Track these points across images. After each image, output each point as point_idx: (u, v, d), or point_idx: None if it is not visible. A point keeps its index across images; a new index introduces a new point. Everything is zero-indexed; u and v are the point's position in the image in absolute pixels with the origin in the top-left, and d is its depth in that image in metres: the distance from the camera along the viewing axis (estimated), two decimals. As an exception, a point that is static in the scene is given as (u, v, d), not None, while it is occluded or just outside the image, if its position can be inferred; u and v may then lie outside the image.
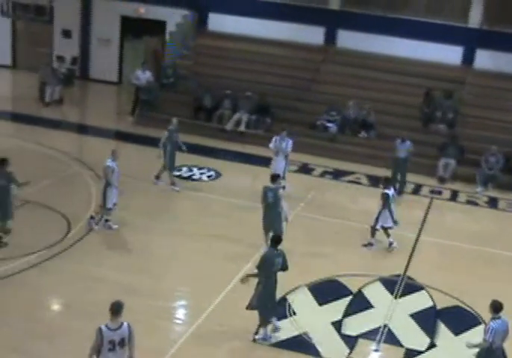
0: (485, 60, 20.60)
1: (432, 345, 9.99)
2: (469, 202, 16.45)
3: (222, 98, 19.75)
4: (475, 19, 20.78)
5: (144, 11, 23.12)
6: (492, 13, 20.71)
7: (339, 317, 10.46)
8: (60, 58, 23.21)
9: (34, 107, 20.60)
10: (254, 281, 9.54)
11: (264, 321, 9.64)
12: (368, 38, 21.13)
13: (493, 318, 8.42)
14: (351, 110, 19.15)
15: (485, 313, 9.22)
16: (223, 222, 13.20)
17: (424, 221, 14.80)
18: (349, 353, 9.58)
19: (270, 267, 9.43)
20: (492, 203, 16.46)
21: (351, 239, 13.43)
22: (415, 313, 10.78)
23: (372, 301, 11.05)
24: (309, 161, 17.84)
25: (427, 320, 10.61)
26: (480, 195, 16.77)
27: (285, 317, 10.27)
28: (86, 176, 15.17)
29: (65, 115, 21.14)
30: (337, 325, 10.23)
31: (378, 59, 21.00)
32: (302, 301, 10.83)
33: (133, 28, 23.71)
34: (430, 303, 11.10)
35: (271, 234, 11.60)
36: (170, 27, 22.65)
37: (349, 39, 21.48)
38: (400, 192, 16.17)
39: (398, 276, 11.94)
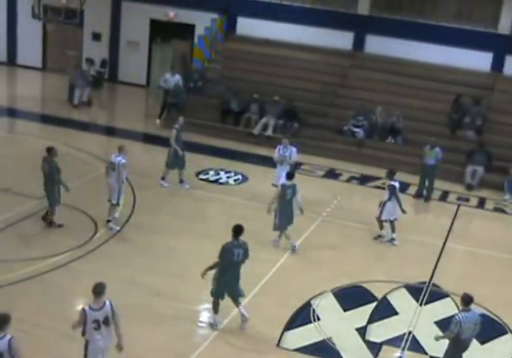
0: (515, 66, 20.42)
1: (458, 354, 9.89)
2: (496, 209, 16.27)
3: (250, 102, 19.80)
4: (505, 25, 20.58)
5: (174, 15, 23.30)
6: (523, 19, 20.51)
7: (363, 323, 10.41)
8: (90, 61, 23.49)
9: (63, 109, 20.87)
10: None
11: (214, 309, 9.82)
12: (396, 43, 21.05)
13: (463, 310, 8.51)
14: (379, 116, 19.07)
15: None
16: (250, 226, 13.18)
17: (451, 228, 14.67)
18: (373, 360, 9.55)
19: (230, 257, 9.55)
20: (520, 211, 16.27)
21: (376, 245, 13.38)
22: (440, 321, 10.67)
23: (396, 308, 10.99)
24: (336, 166, 17.81)
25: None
26: (508, 202, 16.58)
27: (309, 322, 10.26)
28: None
29: (93, 118, 21.38)
30: (362, 331, 10.18)
31: (407, 64, 20.90)
32: (327, 307, 10.80)
33: (162, 31, 23.91)
34: (455, 311, 10.96)
35: (289, 229, 12.38)
36: (199, 31, 22.79)
37: (378, 45, 21.42)
38: (427, 198, 16.08)
39: (424, 283, 11.85)
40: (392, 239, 13.42)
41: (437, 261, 12.88)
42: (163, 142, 17.25)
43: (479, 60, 20.68)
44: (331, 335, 9.96)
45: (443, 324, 10.53)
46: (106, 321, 7.67)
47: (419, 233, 14.18)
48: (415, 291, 11.57)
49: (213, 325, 9.87)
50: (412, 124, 19.10)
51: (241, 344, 9.59)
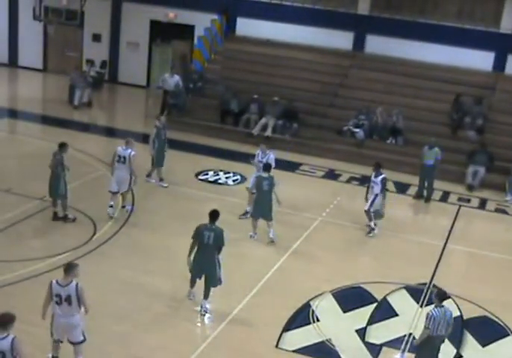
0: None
1: (459, 356, 9.82)
2: (497, 210, 16.20)
3: (249, 103, 19.77)
4: (506, 24, 20.52)
5: (174, 16, 23.30)
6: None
7: (363, 324, 10.35)
8: (90, 62, 23.51)
9: (64, 110, 20.86)
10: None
11: (190, 284, 10.38)
12: (397, 43, 21.02)
13: (436, 307, 8.47)
14: (380, 117, 19.01)
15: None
16: (249, 226, 13.17)
17: (451, 229, 14.61)
18: (373, 362, 9.50)
19: (201, 239, 9.98)
20: (522, 211, 16.21)
21: (376, 245, 13.33)
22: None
23: (396, 309, 10.92)
24: (335, 167, 17.76)
25: (453, 330, 10.41)
26: (509, 203, 16.51)
27: (308, 323, 10.21)
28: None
29: (93, 118, 21.38)
30: (361, 333, 10.12)
31: (407, 64, 20.86)
32: (326, 308, 10.74)
33: (161, 32, 23.91)
34: (456, 313, 10.90)
35: (260, 220, 12.73)
36: (199, 32, 22.77)
37: (378, 45, 21.39)
38: (427, 199, 16.02)
39: (424, 284, 11.79)
40: (372, 229, 13.62)
41: (438, 262, 12.82)
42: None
43: (481, 60, 20.64)
44: (331, 337, 9.90)
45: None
46: (68, 299, 8.09)
47: (419, 233, 14.12)
48: (415, 292, 11.50)
49: (188, 296, 10.43)
50: (413, 125, 19.04)
51: (240, 345, 9.55)
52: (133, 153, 13.17)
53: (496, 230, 15.23)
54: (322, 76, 21.03)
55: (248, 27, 22.58)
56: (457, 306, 11.08)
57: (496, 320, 10.81)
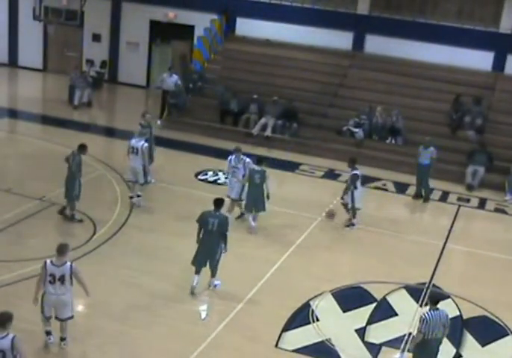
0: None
1: (458, 356, 9.83)
2: (497, 210, 16.20)
3: (249, 103, 19.77)
4: (506, 24, 20.53)
5: (174, 16, 23.31)
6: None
7: (362, 324, 10.36)
8: (90, 62, 23.51)
9: (63, 110, 20.85)
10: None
11: (195, 271, 10.67)
12: (396, 43, 21.02)
13: (430, 309, 8.43)
14: (379, 117, 19.02)
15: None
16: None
17: (451, 228, 14.61)
18: (372, 361, 9.51)
19: (205, 225, 10.44)
20: (521, 211, 16.21)
21: (375, 245, 13.33)
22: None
23: (396, 309, 10.92)
24: (335, 167, 17.75)
25: (453, 330, 10.42)
26: (508, 203, 16.50)
27: (308, 323, 10.22)
28: (112, 179, 15.29)
29: (93, 118, 21.36)
30: (361, 332, 10.13)
31: (407, 64, 20.87)
32: (326, 308, 10.74)
33: (161, 32, 23.91)
34: (456, 313, 10.92)
35: (254, 213, 13.06)
36: (198, 32, 22.77)
37: (378, 44, 21.39)
38: (426, 199, 16.01)
39: (424, 284, 11.79)
40: (353, 224, 13.76)
41: (437, 262, 12.82)
42: (163, 142, 17.26)
43: (480, 60, 20.64)
44: (330, 336, 9.91)
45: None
46: (61, 279, 8.51)
47: (419, 233, 14.12)
48: (415, 292, 11.50)
49: (193, 283, 10.62)
50: (412, 124, 19.04)
51: (240, 345, 9.55)
52: (145, 145, 13.59)
53: (496, 229, 15.24)
54: (322, 76, 21.03)
55: (247, 27, 22.58)
56: (457, 305, 11.09)
57: (496, 320, 10.81)
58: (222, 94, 20.17)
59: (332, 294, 11.17)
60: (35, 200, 13.56)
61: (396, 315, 10.78)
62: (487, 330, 10.58)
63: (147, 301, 10.37)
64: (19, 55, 25.55)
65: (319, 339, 9.83)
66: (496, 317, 10.86)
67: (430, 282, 11.90)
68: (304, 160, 18.07)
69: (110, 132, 20.36)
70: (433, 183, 16.58)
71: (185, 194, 15.05)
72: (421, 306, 11.05)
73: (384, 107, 19.14)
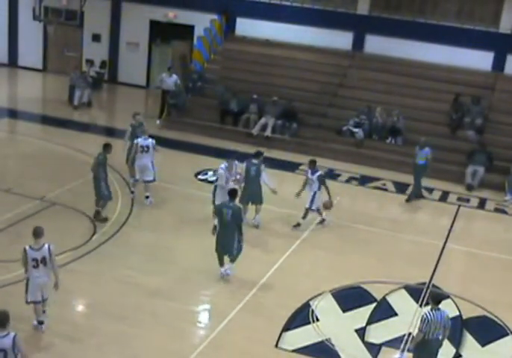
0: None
1: (458, 355, 9.83)
2: (497, 210, 16.20)
3: (249, 103, 19.77)
4: (506, 24, 20.52)
5: (174, 16, 23.31)
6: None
7: (362, 324, 10.36)
8: (90, 62, 23.50)
9: (63, 110, 20.86)
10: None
11: (219, 261, 11.17)
12: (396, 43, 21.02)
13: (432, 309, 8.41)
14: (379, 117, 19.02)
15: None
16: (248, 227, 13.19)
17: (451, 228, 14.61)
18: (372, 361, 9.51)
19: (220, 216, 10.84)
20: (521, 211, 16.21)
21: (376, 245, 13.33)
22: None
23: (396, 309, 10.93)
24: (335, 167, 17.75)
25: (453, 330, 10.43)
26: (508, 203, 16.50)
27: (308, 323, 10.22)
28: (112, 178, 15.28)
29: (93, 118, 21.37)
30: (361, 332, 10.14)
31: (406, 64, 20.87)
32: (326, 308, 10.75)
33: (161, 32, 23.91)
34: (456, 313, 10.93)
35: (250, 205, 13.27)
36: (198, 32, 22.77)
37: (377, 45, 21.39)
38: (416, 196, 15.92)
39: (424, 284, 11.79)
40: (323, 220, 13.81)
41: (437, 262, 12.82)
42: (163, 142, 17.24)
43: (480, 60, 20.63)
44: (330, 336, 9.91)
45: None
46: (43, 261, 8.91)
47: (419, 233, 14.12)
48: (415, 292, 11.50)
49: (221, 275, 11.12)
50: (412, 125, 19.04)
51: (239, 345, 9.56)
52: (153, 141, 13.94)
53: (496, 229, 15.24)
54: (322, 76, 21.03)
55: (247, 27, 22.57)
56: (457, 305, 11.10)
57: (496, 319, 10.81)
58: (221, 94, 20.18)
59: (332, 294, 11.17)
60: (35, 200, 13.57)
61: (396, 315, 10.78)
62: (487, 330, 10.58)
63: (147, 301, 10.37)
64: (19, 55, 25.55)
65: (319, 339, 9.84)
66: (496, 317, 10.86)
67: (430, 282, 11.90)
68: (304, 160, 17.95)
69: (110, 132, 20.34)
70: (433, 183, 16.59)
71: (185, 194, 15.06)
72: (421, 306, 11.07)
73: (384, 107, 19.15)
